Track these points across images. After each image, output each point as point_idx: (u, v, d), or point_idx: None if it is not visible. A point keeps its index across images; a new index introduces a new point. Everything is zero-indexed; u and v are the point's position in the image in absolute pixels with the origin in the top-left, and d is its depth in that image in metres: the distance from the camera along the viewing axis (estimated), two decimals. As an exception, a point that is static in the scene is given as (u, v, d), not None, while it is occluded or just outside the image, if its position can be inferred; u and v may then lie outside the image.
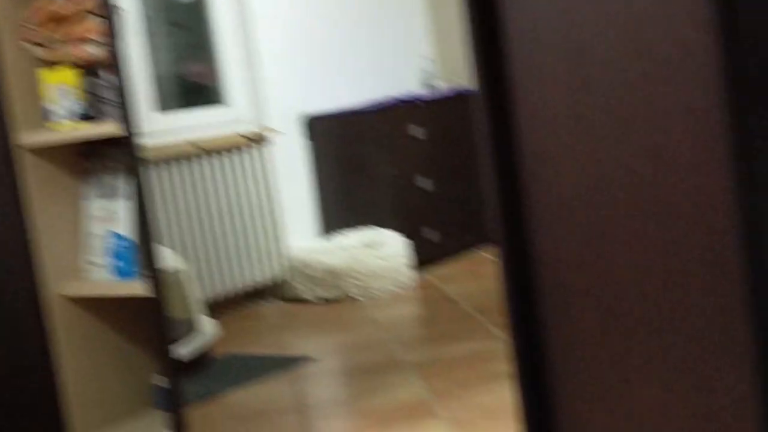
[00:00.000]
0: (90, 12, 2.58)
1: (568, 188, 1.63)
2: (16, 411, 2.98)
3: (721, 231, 1.46)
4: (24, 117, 2.73)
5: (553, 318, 1.68)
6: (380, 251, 4.58)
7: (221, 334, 4.10)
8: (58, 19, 2.67)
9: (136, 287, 2.55)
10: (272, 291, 4.75)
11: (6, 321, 2.88)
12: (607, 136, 1.56)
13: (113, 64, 2.42)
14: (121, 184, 2.71)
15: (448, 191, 5.11)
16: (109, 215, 2.73)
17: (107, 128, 2.52)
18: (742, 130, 1.43)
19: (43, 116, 2.72)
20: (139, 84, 4.32)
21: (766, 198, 1.47)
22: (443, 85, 5.61)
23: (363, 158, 4.89)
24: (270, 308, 4.54)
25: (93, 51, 2.59)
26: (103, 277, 2.72)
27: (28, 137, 2.70)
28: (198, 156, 4.38)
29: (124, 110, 2.47)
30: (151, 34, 4.49)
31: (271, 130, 4.74)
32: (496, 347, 3.28)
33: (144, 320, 2.90)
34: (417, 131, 4.95)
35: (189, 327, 3.54)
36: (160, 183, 4.24)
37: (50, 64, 2.71)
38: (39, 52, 2.71)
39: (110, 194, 2.74)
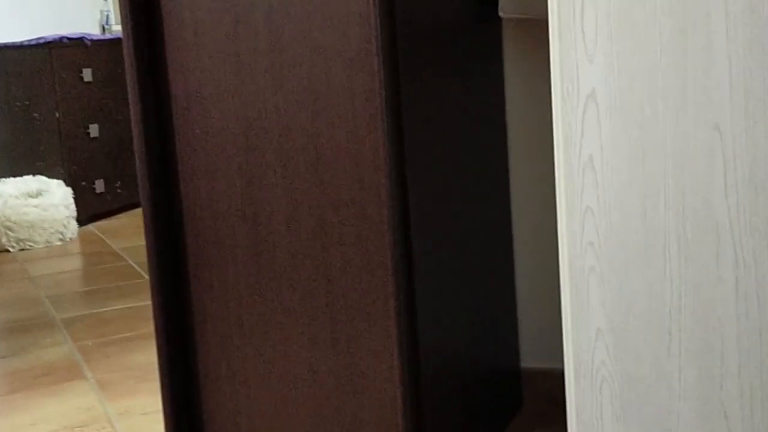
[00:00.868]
0: None
1: (221, 136, 1.52)
2: None
3: (374, 185, 1.42)
4: None
5: (202, 273, 1.57)
6: (41, 201, 4.24)
7: None
8: None
9: None
10: None
11: None
12: (263, 83, 1.47)
13: None
14: None
15: (119, 140, 4.83)
16: None
17: None
18: (395, 84, 1.40)
19: None
20: None
21: (416, 156, 1.45)
22: (120, 29, 5.30)
23: (26, 100, 4.49)
24: None
25: None
26: None
27: None
28: None
29: None
30: None
31: None
32: (158, 304, 3.12)
33: None
34: (87, 74, 4.62)
35: None
36: None
37: None
38: None
39: None
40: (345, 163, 1.43)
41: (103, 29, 5.25)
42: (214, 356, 1.59)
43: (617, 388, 1.19)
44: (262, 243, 1.51)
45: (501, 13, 1.79)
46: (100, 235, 4.40)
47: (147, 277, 3.53)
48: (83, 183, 4.59)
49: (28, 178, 4.45)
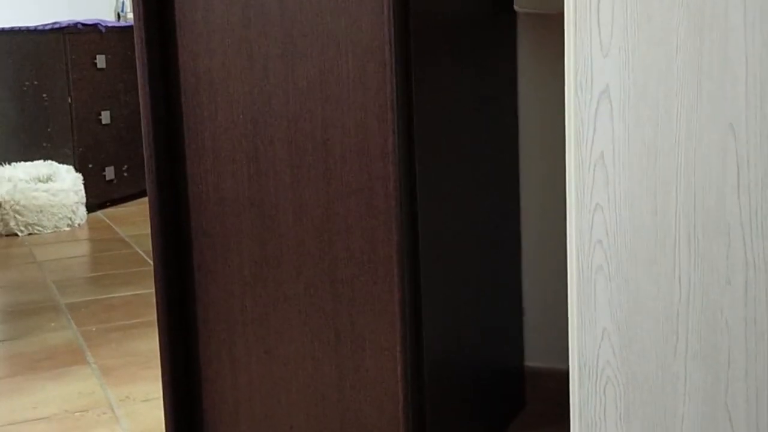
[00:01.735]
0: None
1: (229, 122, 1.51)
2: None
3: (383, 176, 1.41)
4: None
5: (207, 260, 1.56)
6: (51, 186, 4.24)
7: None
8: None
9: None
10: None
11: None
12: (273, 70, 1.46)
13: None
14: None
15: (130, 128, 4.83)
16: None
17: None
18: (407, 75, 1.39)
19: None
20: None
21: (426, 149, 1.44)
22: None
23: (40, 84, 4.49)
24: None
25: None
26: None
27: None
28: None
29: None
30: None
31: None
32: (164, 292, 3.12)
33: None
34: (100, 60, 4.61)
35: None
36: None
37: None
38: None
39: None
40: (353, 152, 1.42)
41: (119, 16, 5.25)
42: (216, 344, 1.58)
43: (622, 389, 1.18)
44: (268, 232, 1.50)
45: (516, 7, 1.78)
46: (108, 221, 4.39)
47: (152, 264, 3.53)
48: (93, 169, 4.59)
49: (39, 162, 4.45)
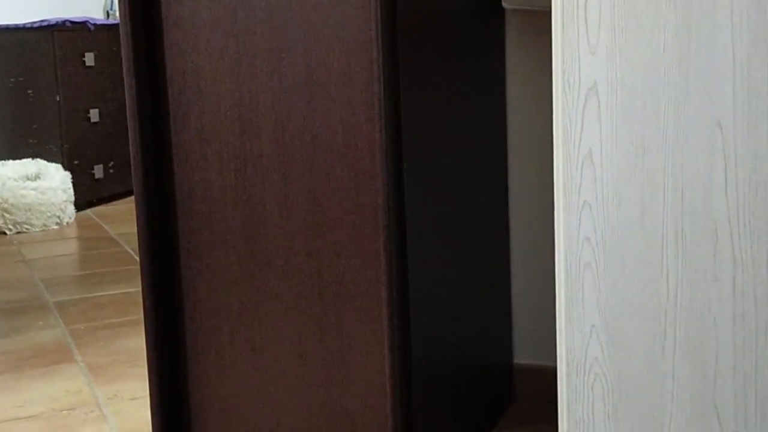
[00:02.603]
0: None
1: (216, 119, 1.50)
2: None
3: (370, 173, 1.40)
4: None
5: (194, 258, 1.55)
6: (39, 184, 4.22)
7: None
8: None
9: None
10: None
11: None
12: (260, 66, 1.45)
13: None
14: None
15: (119, 126, 4.81)
16: None
17: None
18: (394, 72, 1.38)
19: None
20: None
21: (413, 145, 1.43)
22: (124, 14, 5.28)
23: (28, 82, 4.47)
24: None
25: None
26: None
27: None
28: None
29: None
30: None
31: None
32: (152, 291, 3.11)
33: None
34: (89, 58, 4.60)
35: None
36: None
37: None
38: None
39: None
40: (340, 149, 1.41)
41: (108, 14, 5.24)
42: (203, 342, 1.57)
43: (610, 386, 1.18)
44: (255, 228, 1.50)
45: (504, 4, 1.77)
46: (97, 220, 4.38)
47: (142, 263, 3.52)
48: (82, 167, 4.57)
49: (27, 161, 4.43)
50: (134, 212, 4.69)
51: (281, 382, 1.53)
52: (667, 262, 1.13)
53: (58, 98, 4.44)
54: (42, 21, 4.49)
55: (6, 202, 4.13)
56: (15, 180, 4.24)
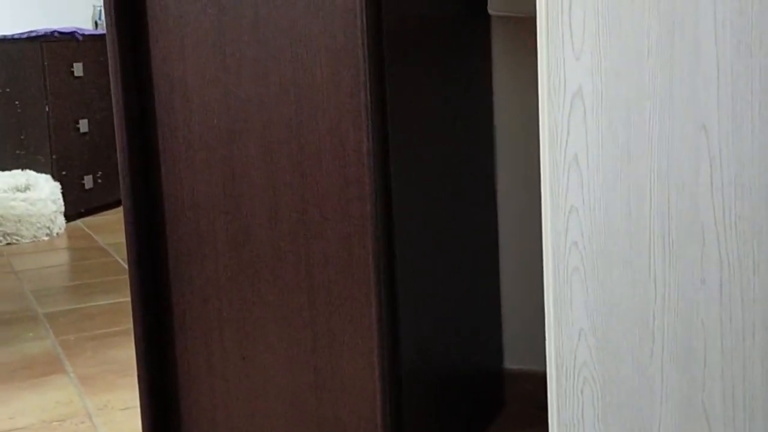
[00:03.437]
0: None
1: (203, 128, 1.50)
2: None
3: (357, 180, 1.41)
4: None
5: (183, 267, 1.55)
6: (29, 195, 4.21)
7: None
8: None
9: None
10: None
11: None
12: (247, 74, 1.45)
13: None
14: None
15: (108, 136, 4.80)
16: None
17: None
18: (380, 79, 1.39)
19: None
20: None
21: (401, 152, 1.44)
22: (113, 24, 5.27)
23: (16, 93, 4.47)
24: None
25: None
26: None
27: None
28: None
29: None
30: None
31: None
32: (143, 301, 3.10)
33: None
34: (78, 69, 4.59)
35: None
36: None
37: None
38: None
39: None
40: (328, 157, 1.42)
41: (96, 24, 5.23)
42: (193, 351, 1.57)
43: (599, 390, 1.18)
44: (243, 237, 1.50)
45: (490, 10, 1.78)
46: (87, 230, 4.37)
47: (133, 273, 3.52)
48: (71, 178, 4.57)
49: (17, 172, 4.42)
50: (123, 222, 4.67)
51: (271, 389, 1.53)
52: (654, 265, 1.14)
53: (46, 109, 4.43)
54: (30, 32, 4.48)
55: (-5, 213, 4.12)
56: (4, 191, 4.23)
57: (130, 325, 2.86)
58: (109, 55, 1.49)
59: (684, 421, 1.15)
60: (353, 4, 1.35)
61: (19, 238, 4.16)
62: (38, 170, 4.45)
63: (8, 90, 4.47)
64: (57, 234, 4.29)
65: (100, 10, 5.26)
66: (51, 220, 4.27)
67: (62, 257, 3.90)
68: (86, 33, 4.66)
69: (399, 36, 1.43)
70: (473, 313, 1.81)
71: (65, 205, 4.43)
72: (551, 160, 1.16)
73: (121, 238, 4.14)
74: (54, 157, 4.48)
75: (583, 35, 1.13)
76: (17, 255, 3.93)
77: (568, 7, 1.13)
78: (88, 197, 4.68)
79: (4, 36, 4.48)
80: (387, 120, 1.39)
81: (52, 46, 4.45)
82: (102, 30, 4.88)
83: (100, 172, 4.74)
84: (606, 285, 1.16)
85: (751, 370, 1.11)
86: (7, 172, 4.40)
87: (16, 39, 4.41)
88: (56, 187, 4.36)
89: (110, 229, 4.37)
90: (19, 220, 4.16)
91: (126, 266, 3.61)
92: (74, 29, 4.63)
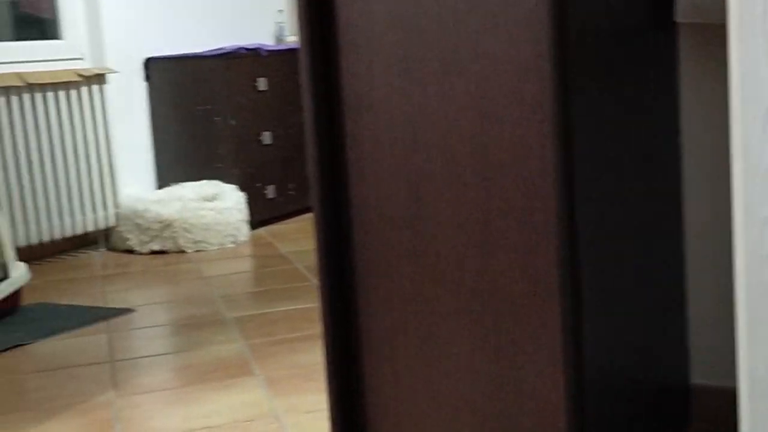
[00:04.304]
0: None
1: (391, 142, 1.55)
2: None
3: (542, 193, 1.41)
4: None
5: (369, 276, 1.60)
6: (216, 205, 4.43)
7: (32, 281, 3.88)
8: None
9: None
10: (101, 240, 4.53)
11: None
12: (432, 89, 1.49)
13: None
14: None
15: (290, 147, 4.98)
16: None
17: None
18: (565, 91, 1.39)
19: None
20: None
21: (586, 165, 1.43)
22: (295, 39, 5.46)
23: (205, 107, 4.70)
24: (97, 258, 4.33)
25: None
26: None
27: None
28: (26, 90, 4.10)
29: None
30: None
31: (109, 70, 4.49)
32: (324, 307, 3.20)
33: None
34: (261, 83, 4.79)
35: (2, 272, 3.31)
36: (-22, 117, 3.95)
37: None
38: None
39: None
40: (512, 170, 1.43)
41: (278, 40, 5.44)
42: (378, 358, 1.62)
43: (795, 409, 1.14)
44: (427, 246, 1.53)
45: (677, 18, 1.74)
46: (269, 238, 4.54)
47: (313, 280, 3.63)
48: (255, 188, 4.76)
49: (205, 182, 4.65)
50: (304, 231, 4.84)
51: (454, 398, 1.55)
52: None
53: (233, 122, 4.64)
54: (219, 49, 4.71)
55: (186, 221, 4.35)
56: (194, 201, 4.46)
57: (312, 331, 2.96)
58: (302, 70, 1.56)
59: None
60: (538, 17, 1.36)
61: (207, 246, 4.37)
62: (225, 180, 4.67)
63: (208, 107, 4.68)
64: (242, 241, 4.48)
65: (282, 27, 5.47)
66: (236, 229, 4.46)
67: (246, 264, 4.07)
68: (269, 48, 4.85)
69: (584, 47, 1.43)
70: (659, 325, 1.78)
71: (249, 213, 4.62)
72: (745, 171, 1.13)
73: (300, 246, 4.29)
74: (239, 167, 4.69)
75: (779, 43, 1.09)
76: (205, 261, 4.13)
77: (762, 13, 1.10)
78: (270, 206, 4.86)
79: (195, 53, 4.73)
80: (572, 133, 1.39)
81: (238, 62, 4.66)
82: (284, 45, 5.07)
83: (282, 183, 4.92)
84: (804, 300, 1.12)
85: None
86: (196, 183, 4.64)
87: (206, 56, 4.65)
88: (241, 196, 4.56)
89: (291, 237, 4.53)
90: (207, 229, 4.38)
91: (306, 273, 3.73)
92: (258, 45, 4.83)
